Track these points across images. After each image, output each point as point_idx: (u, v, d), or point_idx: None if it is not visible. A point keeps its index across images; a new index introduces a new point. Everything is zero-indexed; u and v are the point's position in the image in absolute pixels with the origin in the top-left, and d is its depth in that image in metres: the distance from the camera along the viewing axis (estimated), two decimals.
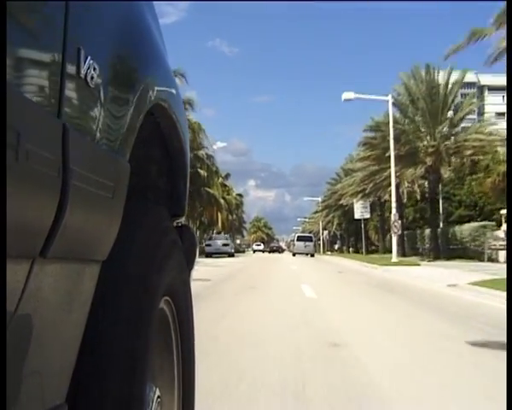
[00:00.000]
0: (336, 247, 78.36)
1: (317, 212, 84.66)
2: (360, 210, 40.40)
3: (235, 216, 70.28)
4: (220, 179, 51.01)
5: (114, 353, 0.93)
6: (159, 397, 1.21)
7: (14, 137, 0.57)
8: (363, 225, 45.12)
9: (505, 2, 19.38)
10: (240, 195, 79.80)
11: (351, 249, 65.39)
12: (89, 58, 0.78)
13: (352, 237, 64.06)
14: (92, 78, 0.79)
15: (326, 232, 77.46)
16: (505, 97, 20.55)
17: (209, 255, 34.49)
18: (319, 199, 79.19)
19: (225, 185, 56.90)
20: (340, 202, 48.04)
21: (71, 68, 0.73)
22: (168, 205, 1.44)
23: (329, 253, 73.25)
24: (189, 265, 1.47)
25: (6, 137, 0.56)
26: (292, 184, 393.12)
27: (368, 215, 41.03)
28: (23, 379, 0.70)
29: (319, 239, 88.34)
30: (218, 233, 45.47)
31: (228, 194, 58.06)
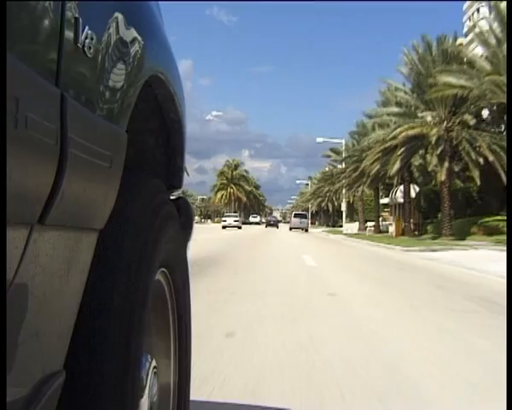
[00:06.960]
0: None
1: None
2: None
3: None
4: None
5: (110, 325, 0.94)
6: (155, 368, 1.22)
7: (14, 104, 0.58)
8: None
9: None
10: None
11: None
12: (87, 28, 0.78)
13: None
14: (90, 47, 0.79)
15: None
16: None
17: (224, 228, 49.57)
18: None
19: None
20: None
21: (69, 38, 0.73)
22: (165, 177, 1.45)
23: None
24: (186, 236, 1.48)
25: (6, 103, 0.56)
26: (287, 156, 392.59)
27: None
28: (22, 344, 0.71)
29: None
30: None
31: None
